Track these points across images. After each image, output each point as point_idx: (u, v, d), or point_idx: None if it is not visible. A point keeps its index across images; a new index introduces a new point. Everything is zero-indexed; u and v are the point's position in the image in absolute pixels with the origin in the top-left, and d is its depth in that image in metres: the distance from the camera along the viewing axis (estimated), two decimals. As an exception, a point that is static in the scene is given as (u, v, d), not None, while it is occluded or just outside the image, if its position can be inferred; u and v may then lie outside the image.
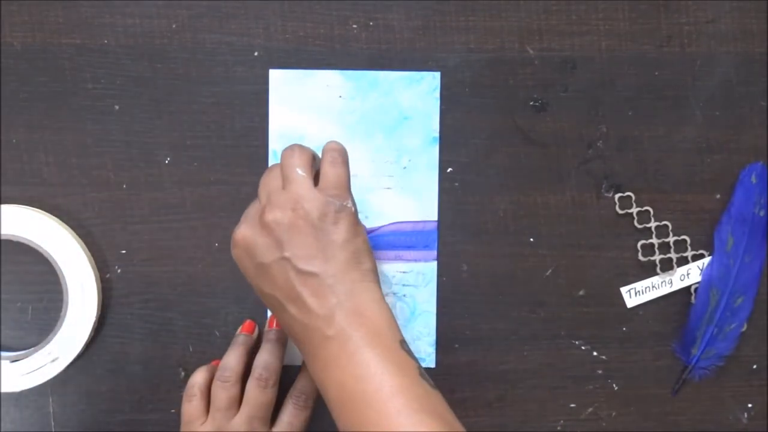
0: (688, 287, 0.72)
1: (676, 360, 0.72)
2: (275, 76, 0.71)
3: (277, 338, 0.69)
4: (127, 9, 0.70)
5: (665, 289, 0.72)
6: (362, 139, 0.71)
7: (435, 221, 0.71)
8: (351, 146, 0.70)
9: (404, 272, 0.71)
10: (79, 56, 0.71)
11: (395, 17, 0.71)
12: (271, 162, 0.71)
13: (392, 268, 0.71)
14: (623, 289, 0.72)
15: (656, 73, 0.71)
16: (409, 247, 0.71)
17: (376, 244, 0.71)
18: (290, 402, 0.68)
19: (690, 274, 0.72)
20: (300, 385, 0.68)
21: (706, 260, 0.71)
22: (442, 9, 0.71)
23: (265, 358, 0.67)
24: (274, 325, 0.70)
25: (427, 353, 0.72)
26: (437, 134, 0.71)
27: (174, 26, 0.71)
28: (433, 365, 0.72)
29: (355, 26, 0.71)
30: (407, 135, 0.71)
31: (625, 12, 0.71)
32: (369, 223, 0.71)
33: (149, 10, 0.71)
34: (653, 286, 0.71)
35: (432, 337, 0.71)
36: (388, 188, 0.71)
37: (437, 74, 0.71)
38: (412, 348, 0.71)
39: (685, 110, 0.71)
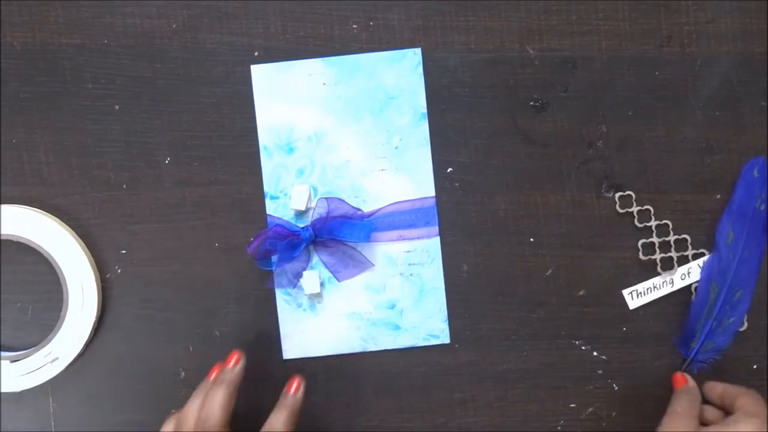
0: (689, 286, 0.72)
1: (677, 360, 0.72)
2: (257, 71, 0.71)
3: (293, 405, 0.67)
4: (127, 9, 0.71)
5: (666, 289, 0.72)
6: (351, 123, 0.71)
7: (433, 197, 0.71)
8: (340, 132, 0.71)
9: (408, 251, 0.71)
10: (79, 56, 0.71)
11: (395, 17, 0.71)
12: (263, 160, 0.71)
13: (396, 249, 0.71)
14: (625, 292, 0.72)
15: (656, 73, 0.71)
16: (410, 226, 0.71)
17: (377, 227, 0.71)
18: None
19: (690, 273, 0.72)
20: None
21: (707, 258, 0.72)
22: (442, 9, 0.71)
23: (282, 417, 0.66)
24: (293, 389, 0.67)
25: (440, 329, 0.71)
26: (425, 110, 0.71)
27: (174, 26, 0.71)
28: (447, 341, 0.72)
29: (355, 26, 0.71)
30: (395, 114, 0.71)
31: (625, 12, 0.71)
32: (367, 206, 0.71)
33: (149, 10, 0.71)
34: (654, 287, 0.71)
35: (444, 313, 0.71)
36: (383, 170, 0.71)
37: (418, 50, 0.71)
38: (425, 327, 0.71)
39: (685, 110, 0.71)
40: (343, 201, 0.70)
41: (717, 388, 0.69)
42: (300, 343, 0.71)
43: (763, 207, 0.70)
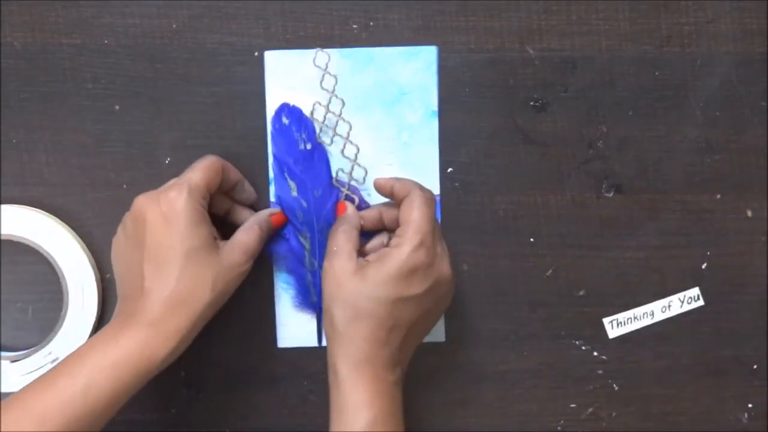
0: (670, 319, 0.72)
1: (677, 360, 0.72)
2: (271, 57, 0.71)
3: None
4: (127, 9, 0.70)
5: (646, 321, 0.72)
6: (362, 116, 0.71)
7: (437, 195, 0.71)
8: (351, 124, 0.71)
9: None
10: (79, 56, 0.71)
11: (395, 17, 0.71)
12: (270, 145, 0.71)
13: None
14: (605, 320, 0.72)
15: (656, 73, 0.71)
16: None
17: None
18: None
19: (671, 306, 0.71)
20: None
21: (688, 293, 0.71)
22: (442, 9, 0.71)
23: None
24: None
25: (436, 327, 0.71)
26: (436, 108, 0.71)
27: (174, 26, 0.71)
28: (442, 339, 0.72)
29: (355, 26, 0.71)
30: (406, 110, 0.71)
31: (625, 12, 0.71)
32: (372, 200, 0.71)
33: (149, 10, 0.71)
34: (635, 318, 0.71)
35: None
36: (390, 164, 0.71)
37: (434, 48, 0.71)
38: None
39: (685, 110, 0.71)
40: (356, 188, 0.70)
41: (387, 186, 0.66)
42: (296, 334, 0.71)
43: (309, 146, 0.70)
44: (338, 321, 0.61)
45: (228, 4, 0.71)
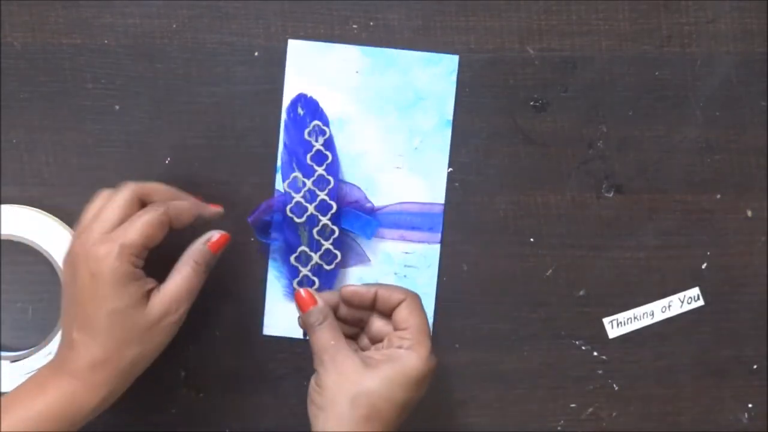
0: (669, 319, 0.72)
1: (677, 360, 0.72)
2: (294, 46, 0.70)
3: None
4: (127, 9, 0.71)
5: (646, 321, 0.72)
6: (376, 116, 0.71)
7: (442, 204, 0.71)
8: (364, 122, 0.71)
9: (407, 253, 0.71)
10: (79, 56, 0.71)
11: (395, 17, 0.71)
12: (282, 134, 0.71)
13: (396, 248, 0.71)
14: (605, 320, 0.72)
15: (656, 73, 0.71)
16: (413, 228, 0.71)
17: (382, 223, 0.71)
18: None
19: (671, 306, 0.71)
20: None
21: (688, 293, 0.71)
22: (442, 9, 0.71)
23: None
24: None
25: (433, 324, 0.71)
26: (451, 117, 0.71)
27: (174, 26, 0.71)
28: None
29: (355, 26, 0.71)
30: (420, 116, 0.71)
31: (625, 12, 0.71)
32: (377, 201, 0.71)
33: (149, 10, 0.71)
34: (635, 318, 0.72)
35: (430, 319, 0.71)
36: (398, 167, 0.71)
37: (455, 57, 0.71)
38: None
39: (685, 110, 0.71)
40: (359, 189, 0.70)
41: (368, 294, 0.63)
42: (282, 324, 0.71)
43: (321, 140, 0.70)
44: (349, 419, 0.58)
45: (228, 4, 0.71)
